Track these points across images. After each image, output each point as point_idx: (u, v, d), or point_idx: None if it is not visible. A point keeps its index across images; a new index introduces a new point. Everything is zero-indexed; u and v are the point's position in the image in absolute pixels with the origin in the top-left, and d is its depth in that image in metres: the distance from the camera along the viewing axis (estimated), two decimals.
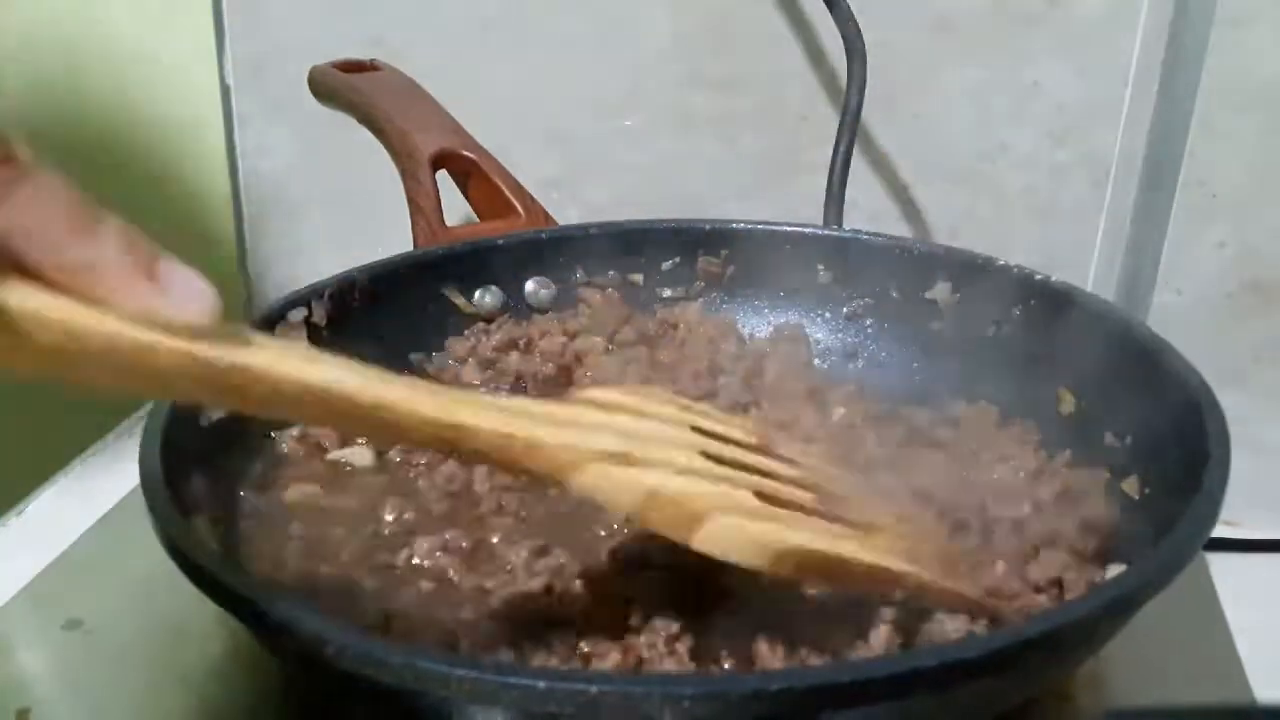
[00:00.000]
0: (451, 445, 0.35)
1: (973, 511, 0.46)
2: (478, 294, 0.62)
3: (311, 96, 0.73)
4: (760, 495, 0.38)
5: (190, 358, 0.30)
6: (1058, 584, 0.42)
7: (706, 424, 0.41)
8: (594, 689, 0.30)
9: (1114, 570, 0.43)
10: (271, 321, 0.54)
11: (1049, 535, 0.44)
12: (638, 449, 0.36)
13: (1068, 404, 0.52)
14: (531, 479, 0.40)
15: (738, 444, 0.41)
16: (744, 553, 0.35)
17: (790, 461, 0.42)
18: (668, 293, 0.65)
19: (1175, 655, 0.48)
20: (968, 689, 0.33)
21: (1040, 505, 0.46)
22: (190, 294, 0.30)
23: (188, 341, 0.30)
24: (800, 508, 0.38)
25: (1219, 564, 0.55)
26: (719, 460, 0.38)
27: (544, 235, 0.64)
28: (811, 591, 0.40)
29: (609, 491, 0.36)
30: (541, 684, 0.30)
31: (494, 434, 0.34)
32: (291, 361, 0.32)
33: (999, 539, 0.45)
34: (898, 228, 0.76)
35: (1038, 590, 0.42)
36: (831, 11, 0.69)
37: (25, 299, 0.28)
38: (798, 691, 0.30)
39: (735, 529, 0.35)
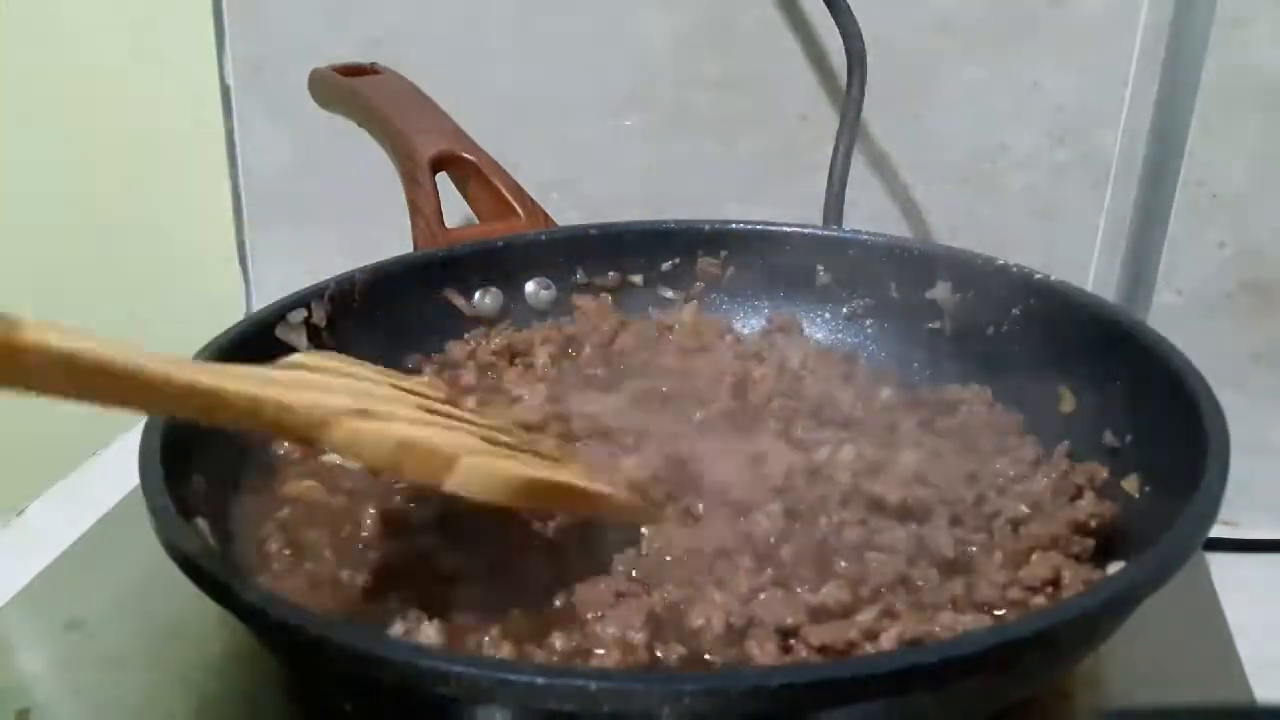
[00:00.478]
0: (208, 413, 0.35)
1: (972, 509, 0.46)
2: (477, 295, 0.62)
3: (311, 97, 0.73)
4: (484, 441, 0.41)
5: None
6: (1055, 582, 0.42)
7: (404, 383, 0.44)
8: (593, 685, 0.30)
9: (1113, 568, 0.43)
10: (271, 322, 0.54)
11: (1048, 533, 0.44)
12: (371, 405, 0.38)
13: (1068, 403, 0.52)
14: (289, 439, 0.43)
15: (437, 400, 0.45)
16: (492, 490, 0.39)
17: (476, 413, 0.47)
18: (669, 293, 0.65)
19: (1175, 655, 0.48)
20: (967, 686, 0.33)
21: (1039, 504, 0.46)
22: None
23: None
24: (514, 449, 0.43)
25: (1219, 564, 0.55)
26: (435, 413, 0.42)
27: (544, 236, 0.64)
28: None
29: (362, 445, 0.37)
30: (540, 680, 0.30)
31: (245, 398, 0.35)
32: (49, 333, 0.32)
33: (997, 537, 0.45)
34: (898, 228, 0.76)
35: (1035, 589, 0.42)
36: (831, 11, 0.69)
37: None
38: (798, 687, 0.30)
39: (483, 469, 0.39)
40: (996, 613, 0.41)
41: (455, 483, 0.38)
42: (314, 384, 0.39)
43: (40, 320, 0.32)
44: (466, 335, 0.61)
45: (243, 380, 0.36)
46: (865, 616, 0.39)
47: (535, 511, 0.45)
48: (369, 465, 0.39)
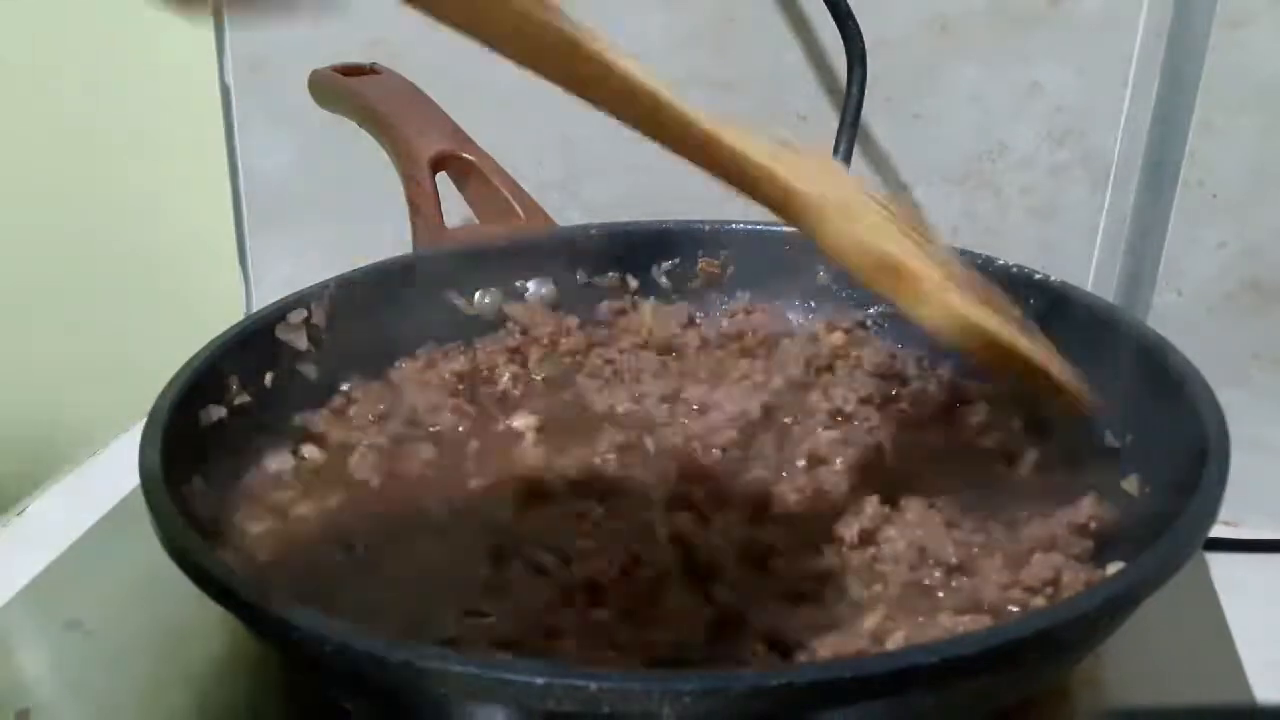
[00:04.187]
0: (723, 168, 0.38)
1: (970, 509, 0.46)
2: (477, 295, 0.62)
3: (311, 97, 0.73)
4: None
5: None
6: (1054, 583, 0.42)
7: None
8: (593, 685, 0.30)
9: (1112, 569, 0.43)
10: (271, 322, 0.54)
11: (1047, 533, 0.44)
12: (866, 214, 0.40)
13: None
14: (780, 214, 0.41)
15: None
16: (951, 328, 0.40)
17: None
18: (669, 294, 0.65)
19: (1175, 655, 0.48)
20: (966, 686, 0.33)
21: (1038, 504, 0.46)
22: None
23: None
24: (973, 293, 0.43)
25: (1219, 564, 0.54)
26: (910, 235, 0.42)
27: (544, 237, 0.64)
28: None
29: (845, 248, 0.39)
30: (540, 680, 0.30)
31: (758, 166, 0.38)
32: (611, 52, 0.37)
33: (996, 536, 0.45)
34: None
35: (1035, 589, 0.42)
36: (831, 11, 0.69)
37: None
38: (798, 687, 0.30)
39: (952, 306, 0.40)
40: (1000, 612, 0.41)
41: (921, 311, 0.40)
42: (809, 173, 0.40)
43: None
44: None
45: (758, 151, 0.38)
46: (870, 621, 0.39)
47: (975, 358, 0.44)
48: (848, 265, 0.40)
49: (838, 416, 0.53)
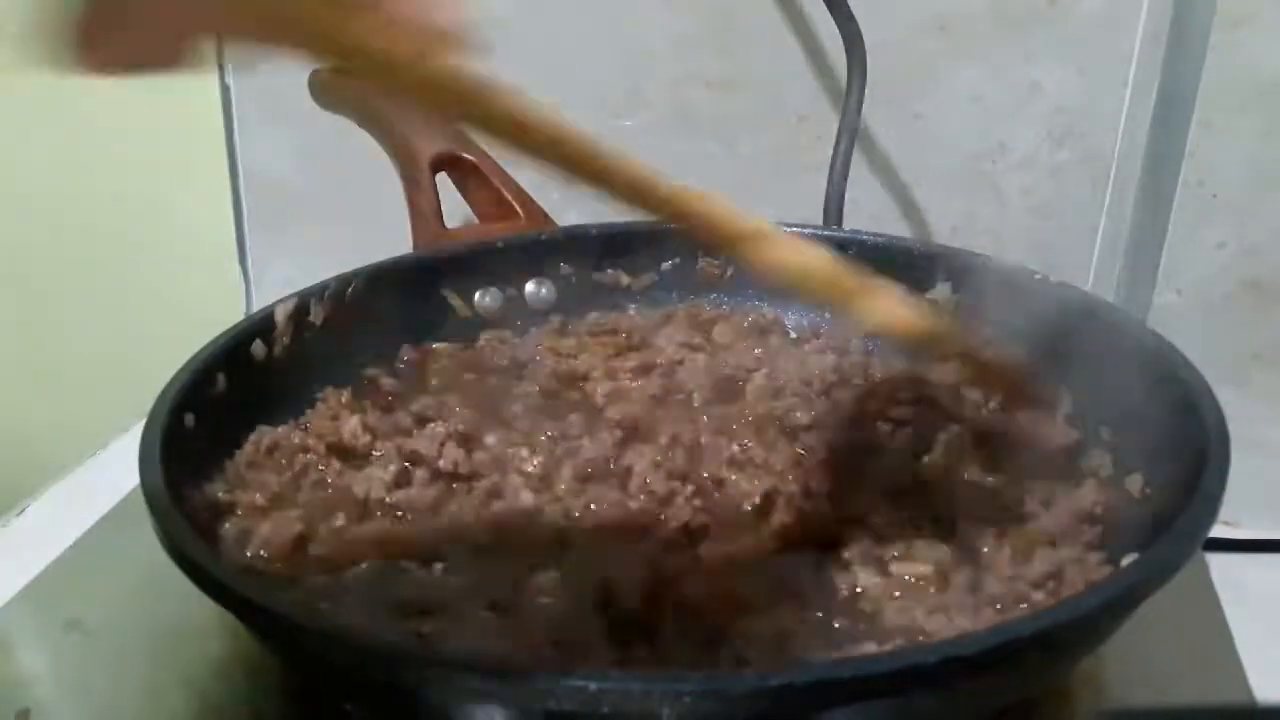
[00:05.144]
0: (639, 197, 0.41)
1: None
2: (477, 296, 0.62)
3: (311, 98, 0.73)
4: None
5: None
6: (1055, 580, 0.42)
7: None
8: (593, 686, 0.30)
9: (1112, 568, 0.43)
10: (270, 322, 0.54)
11: (1046, 532, 0.44)
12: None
13: (1067, 403, 0.52)
14: (709, 242, 0.44)
15: None
16: (890, 332, 0.42)
17: None
18: (669, 293, 0.65)
19: (1175, 655, 0.48)
20: (966, 686, 0.33)
21: (1038, 502, 0.46)
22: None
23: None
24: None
25: (1219, 564, 0.54)
26: None
27: (544, 237, 0.64)
28: None
29: (779, 253, 0.40)
30: (540, 680, 0.30)
31: (678, 198, 0.41)
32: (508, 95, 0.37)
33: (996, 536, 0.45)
34: (898, 228, 0.76)
35: (1035, 586, 0.42)
36: (831, 11, 0.69)
37: None
38: (798, 688, 0.30)
39: (891, 307, 0.42)
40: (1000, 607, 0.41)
41: (862, 311, 0.41)
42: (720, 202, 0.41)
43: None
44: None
45: (672, 188, 0.40)
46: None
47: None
48: (779, 279, 0.41)
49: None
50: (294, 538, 0.45)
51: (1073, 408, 0.52)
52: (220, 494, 0.46)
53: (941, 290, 0.59)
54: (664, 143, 0.77)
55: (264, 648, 0.39)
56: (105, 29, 0.27)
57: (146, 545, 0.38)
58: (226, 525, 0.45)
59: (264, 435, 0.50)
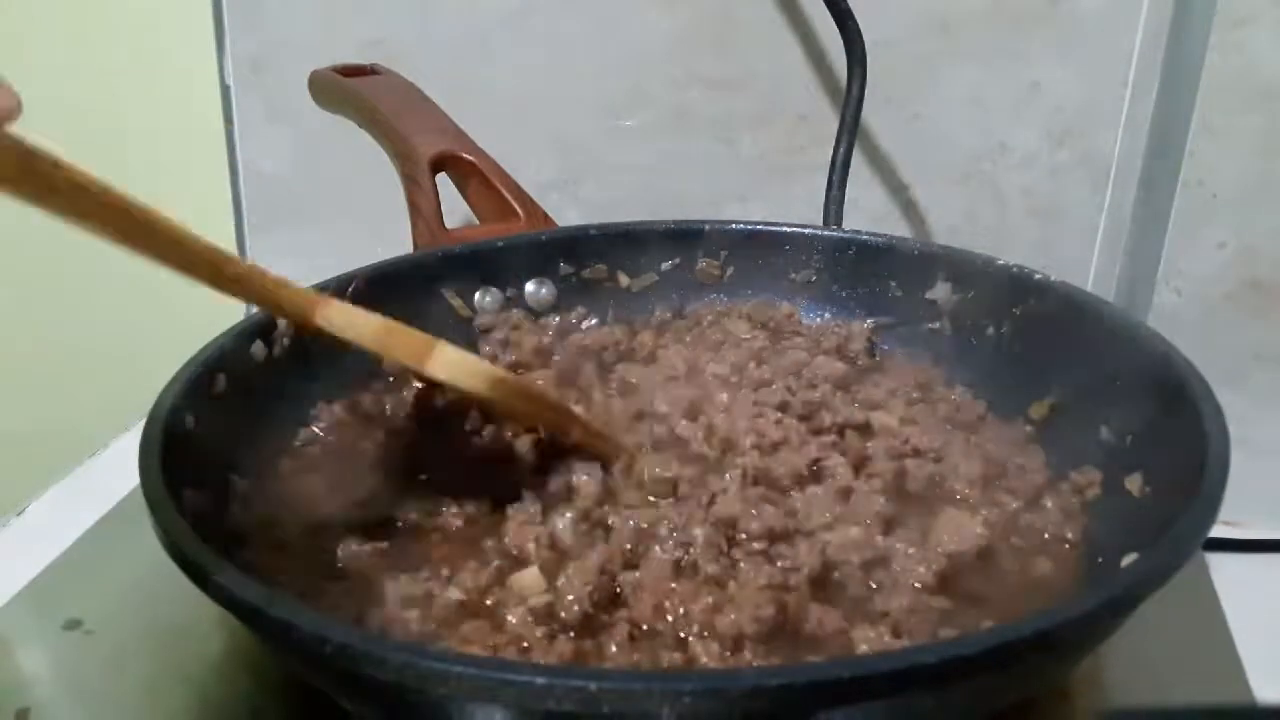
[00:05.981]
0: (213, 275, 0.41)
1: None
2: (477, 296, 0.62)
3: (311, 97, 0.73)
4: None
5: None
6: (1053, 581, 0.42)
7: None
8: (594, 685, 0.30)
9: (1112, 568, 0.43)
10: (270, 322, 0.54)
11: (1046, 532, 0.44)
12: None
13: (1067, 403, 0.52)
14: (282, 315, 0.47)
15: None
16: (470, 377, 0.45)
17: None
18: (669, 294, 0.65)
19: (1175, 655, 0.48)
20: (966, 686, 0.33)
21: (1039, 502, 0.46)
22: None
23: None
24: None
25: (1219, 564, 0.55)
26: None
27: (543, 237, 0.64)
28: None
29: (348, 324, 0.43)
30: (541, 680, 0.30)
31: (244, 268, 0.41)
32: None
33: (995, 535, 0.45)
34: (898, 228, 0.76)
35: (1035, 586, 0.42)
36: (831, 11, 0.69)
37: None
38: (797, 687, 0.30)
39: (463, 358, 0.45)
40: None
41: (436, 366, 0.43)
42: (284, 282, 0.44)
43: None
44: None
45: (241, 261, 0.41)
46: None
47: (509, 417, 0.50)
48: (357, 342, 0.44)
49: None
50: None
51: (1073, 408, 0.52)
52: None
53: (941, 290, 0.59)
54: (664, 143, 0.77)
55: (263, 647, 0.39)
56: None
57: (146, 545, 0.37)
58: (226, 525, 0.45)
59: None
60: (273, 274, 0.42)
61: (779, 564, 0.42)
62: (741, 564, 0.42)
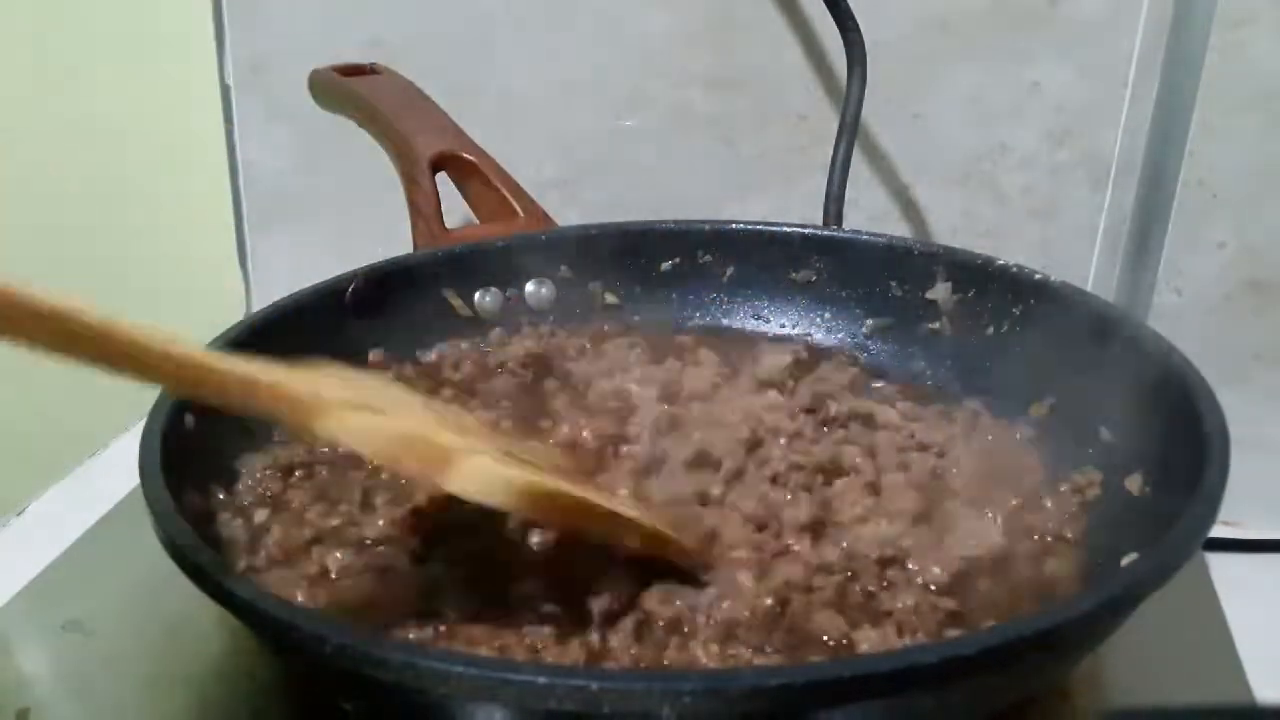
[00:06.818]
0: (199, 387, 0.36)
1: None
2: (477, 296, 0.62)
3: (311, 97, 0.73)
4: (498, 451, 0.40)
5: None
6: (1053, 581, 0.42)
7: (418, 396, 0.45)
8: (594, 685, 0.30)
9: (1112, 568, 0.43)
10: (270, 322, 0.54)
11: (1045, 530, 0.44)
12: (371, 400, 0.38)
13: (1068, 403, 0.52)
14: (282, 424, 0.42)
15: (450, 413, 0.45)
16: (493, 491, 0.37)
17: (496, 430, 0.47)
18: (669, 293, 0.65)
19: (1175, 655, 0.48)
20: (966, 686, 0.33)
21: (1038, 501, 0.46)
22: None
23: None
24: (529, 464, 0.41)
25: (1219, 564, 0.55)
26: (445, 420, 0.41)
27: (544, 237, 0.64)
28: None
29: (358, 434, 0.37)
30: (542, 680, 0.30)
31: (240, 378, 0.36)
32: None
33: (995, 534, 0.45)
34: (898, 228, 0.76)
35: (1035, 586, 0.42)
36: (831, 11, 0.69)
37: None
38: (797, 687, 0.30)
39: (484, 468, 0.37)
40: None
41: (453, 479, 0.37)
42: (313, 378, 0.38)
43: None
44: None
45: (239, 363, 0.36)
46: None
47: (544, 523, 0.43)
48: (367, 455, 0.39)
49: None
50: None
51: (1073, 408, 0.52)
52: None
53: (941, 290, 0.59)
54: (664, 143, 0.77)
55: (263, 648, 0.39)
56: None
57: (146, 545, 0.37)
58: (227, 525, 0.45)
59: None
60: (269, 381, 0.36)
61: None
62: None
